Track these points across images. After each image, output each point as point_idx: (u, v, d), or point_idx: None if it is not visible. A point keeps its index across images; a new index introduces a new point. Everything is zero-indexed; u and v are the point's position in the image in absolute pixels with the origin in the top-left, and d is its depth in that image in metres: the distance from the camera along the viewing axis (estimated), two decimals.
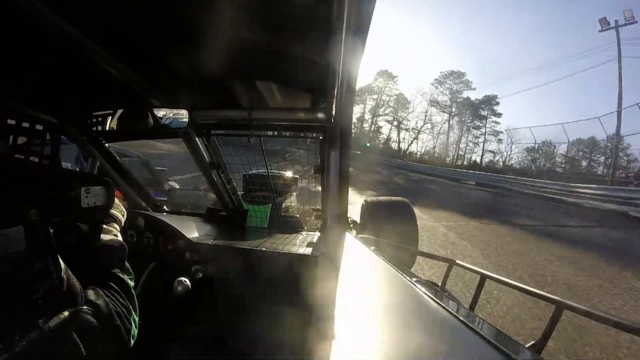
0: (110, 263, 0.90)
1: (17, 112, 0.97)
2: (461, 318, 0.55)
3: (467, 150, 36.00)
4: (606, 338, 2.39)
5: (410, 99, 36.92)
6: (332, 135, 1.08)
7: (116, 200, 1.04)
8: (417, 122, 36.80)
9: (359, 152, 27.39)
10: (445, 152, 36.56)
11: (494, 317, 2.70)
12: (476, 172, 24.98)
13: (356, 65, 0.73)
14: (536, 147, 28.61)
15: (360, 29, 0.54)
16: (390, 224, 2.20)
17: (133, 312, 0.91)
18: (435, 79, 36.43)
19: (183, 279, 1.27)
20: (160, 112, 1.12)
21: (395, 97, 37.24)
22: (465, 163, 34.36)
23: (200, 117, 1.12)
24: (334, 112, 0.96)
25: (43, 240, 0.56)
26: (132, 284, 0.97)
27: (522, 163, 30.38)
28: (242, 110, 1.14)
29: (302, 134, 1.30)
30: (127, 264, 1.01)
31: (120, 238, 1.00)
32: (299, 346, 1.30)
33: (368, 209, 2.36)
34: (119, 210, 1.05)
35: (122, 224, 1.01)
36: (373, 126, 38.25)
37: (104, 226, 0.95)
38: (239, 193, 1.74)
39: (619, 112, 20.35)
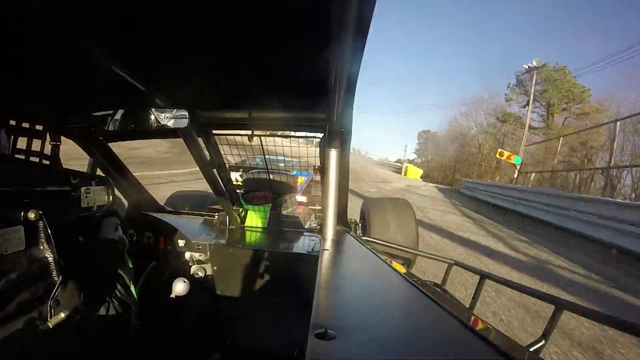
0: (110, 258, 0.90)
1: (17, 112, 0.97)
2: (461, 318, 0.55)
3: None
4: None
5: None
6: (333, 135, 1.08)
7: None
8: None
9: None
10: None
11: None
12: None
13: (357, 64, 0.73)
14: None
15: (361, 28, 0.54)
16: (389, 223, 2.20)
17: (132, 306, 0.91)
18: None
19: (182, 278, 1.27)
20: (160, 112, 1.12)
21: None
22: None
23: (201, 116, 1.13)
24: (334, 112, 0.96)
25: (43, 240, 0.56)
26: (130, 279, 0.98)
27: None
28: (242, 109, 1.14)
29: (303, 134, 1.30)
30: (126, 256, 1.02)
31: (119, 231, 1.01)
32: (298, 346, 1.31)
33: (368, 208, 2.37)
34: (119, 206, 1.07)
35: (122, 217, 1.03)
36: None
37: (104, 219, 0.96)
38: (239, 192, 1.74)
39: None
